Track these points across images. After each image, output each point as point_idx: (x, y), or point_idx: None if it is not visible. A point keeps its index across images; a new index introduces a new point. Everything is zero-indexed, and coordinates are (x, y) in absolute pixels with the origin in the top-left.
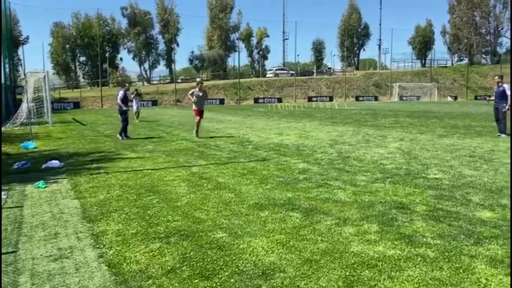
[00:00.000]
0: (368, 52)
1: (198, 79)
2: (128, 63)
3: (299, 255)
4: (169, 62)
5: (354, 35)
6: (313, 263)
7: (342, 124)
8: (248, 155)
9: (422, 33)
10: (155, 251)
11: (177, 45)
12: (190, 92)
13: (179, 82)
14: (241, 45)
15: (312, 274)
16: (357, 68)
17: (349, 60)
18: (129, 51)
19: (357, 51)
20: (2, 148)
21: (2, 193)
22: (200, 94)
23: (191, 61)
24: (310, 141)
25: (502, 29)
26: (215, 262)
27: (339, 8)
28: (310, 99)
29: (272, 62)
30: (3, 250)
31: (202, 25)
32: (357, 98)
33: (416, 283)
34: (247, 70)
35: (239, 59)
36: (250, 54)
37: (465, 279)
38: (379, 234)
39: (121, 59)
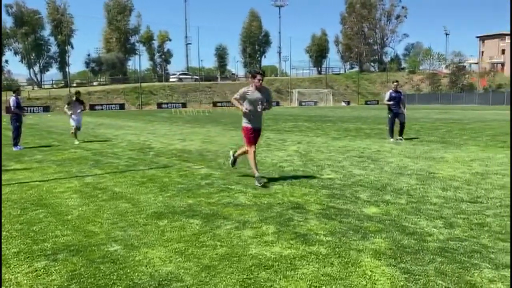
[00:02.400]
0: (269, 59)
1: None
2: (15, 66)
3: (197, 263)
4: (63, 65)
5: (256, 42)
6: (211, 269)
7: None
8: (149, 162)
9: (317, 42)
10: (40, 270)
11: (72, 47)
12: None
13: (74, 86)
14: (142, 48)
15: (209, 280)
16: None
17: (251, 66)
18: (15, 53)
19: (259, 58)
20: None
21: None
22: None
23: (87, 64)
24: (214, 146)
25: (387, 39)
26: (107, 277)
27: (240, 15)
28: (215, 104)
29: (176, 67)
30: None
31: (99, 26)
32: None
33: (309, 280)
34: (149, 74)
35: (140, 62)
36: (152, 58)
37: (353, 273)
38: (276, 235)
39: (6, 61)
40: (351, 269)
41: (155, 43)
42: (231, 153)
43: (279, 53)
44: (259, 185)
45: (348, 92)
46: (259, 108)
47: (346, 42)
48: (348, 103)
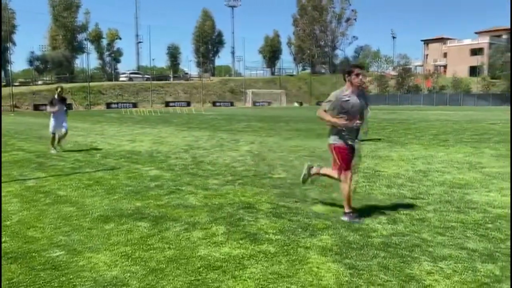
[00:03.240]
0: (222, 59)
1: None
2: None
3: (144, 266)
4: (4, 63)
5: (209, 42)
6: (159, 272)
7: (198, 129)
8: (96, 164)
9: (270, 43)
10: None
11: (14, 44)
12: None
13: (16, 85)
14: (90, 46)
15: (156, 283)
16: (213, 74)
17: (205, 66)
18: None
19: (213, 58)
20: None
21: None
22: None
23: (31, 62)
24: (164, 147)
25: (337, 42)
26: (48, 284)
27: (193, 14)
28: (167, 104)
29: (126, 66)
30: None
31: (44, 23)
32: (214, 104)
33: (257, 279)
34: (98, 73)
35: (89, 61)
36: (101, 57)
37: (300, 270)
38: (226, 235)
39: None
40: (298, 266)
41: (104, 42)
42: (305, 166)
43: (233, 53)
44: (357, 221)
45: (300, 93)
46: (358, 119)
47: (299, 43)
48: (301, 103)
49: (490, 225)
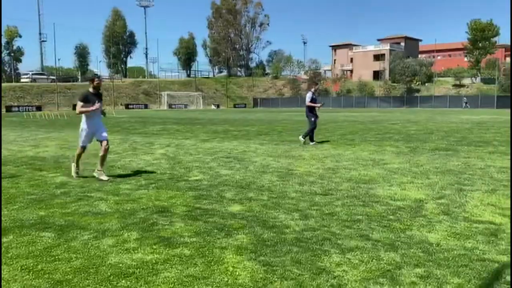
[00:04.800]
0: (136, 60)
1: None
2: None
3: (48, 279)
4: None
5: (120, 42)
6: (65, 284)
7: (109, 133)
8: None
9: (185, 45)
10: None
11: None
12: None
13: None
14: None
15: None
16: (125, 76)
17: (116, 67)
18: None
19: (124, 59)
20: None
21: None
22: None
23: None
24: (72, 151)
25: (252, 46)
26: None
27: (103, 13)
28: (75, 107)
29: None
30: None
31: None
32: (127, 106)
33: (172, 283)
34: None
35: None
36: None
37: (216, 271)
38: (138, 241)
39: None
40: (214, 267)
41: (3, 40)
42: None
43: (146, 54)
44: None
45: (217, 95)
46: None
47: (214, 46)
48: (218, 106)
49: (391, 217)
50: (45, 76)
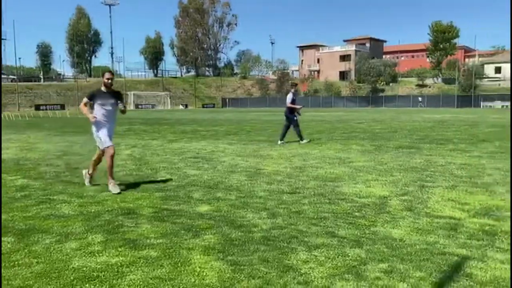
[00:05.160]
0: (101, 59)
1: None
2: None
3: (7, 285)
4: None
5: (85, 41)
6: None
7: (73, 134)
8: None
9: (152, 44)
10: None
11: None
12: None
13: None
14: None
15: None
16: (90, 75)
17: (80, 66)
18: None
19: (89, 58)
20: None
21: None
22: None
23: None
24: (34, 153)
25: (220, 45)
26: None
27: (66, 11)
28: (38, 107)
29: None
30: None
31: None
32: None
33: (137, 286)
34: None
35: None
36: None
37: (183, 272)
38: (103, 244)
39: None
40: (181, 268)
41: None
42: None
43: (112, 53)
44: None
45: (185, 95)
46: None
47: (181, 45)
48: (186, 106)
49: (357, 214)
50: (4, 76)
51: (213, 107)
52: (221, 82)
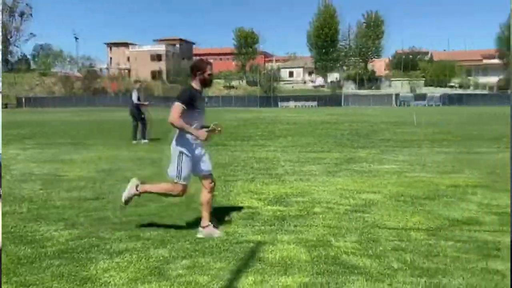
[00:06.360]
0: None
1: None
2: None
3: None
4: None
5: None
6: None
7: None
8: None
9: None
10: None
11: None
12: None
13: None
14: None
15: None
16: None
17: None
18: None
19: None
20: None
21: None
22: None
23: None
24: None
25: (11, 38)
26: None
27: None
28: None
29: None
30: None
31: None
32: None
33: None
34: None
35: None
36: None
37: None
38: None
39: None
40: None
41: None
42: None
43: None
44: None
45: None
46: None
47: None
48: None
49: (163, 214)
50: None
51: (6, 107)
52: (14, 79)
